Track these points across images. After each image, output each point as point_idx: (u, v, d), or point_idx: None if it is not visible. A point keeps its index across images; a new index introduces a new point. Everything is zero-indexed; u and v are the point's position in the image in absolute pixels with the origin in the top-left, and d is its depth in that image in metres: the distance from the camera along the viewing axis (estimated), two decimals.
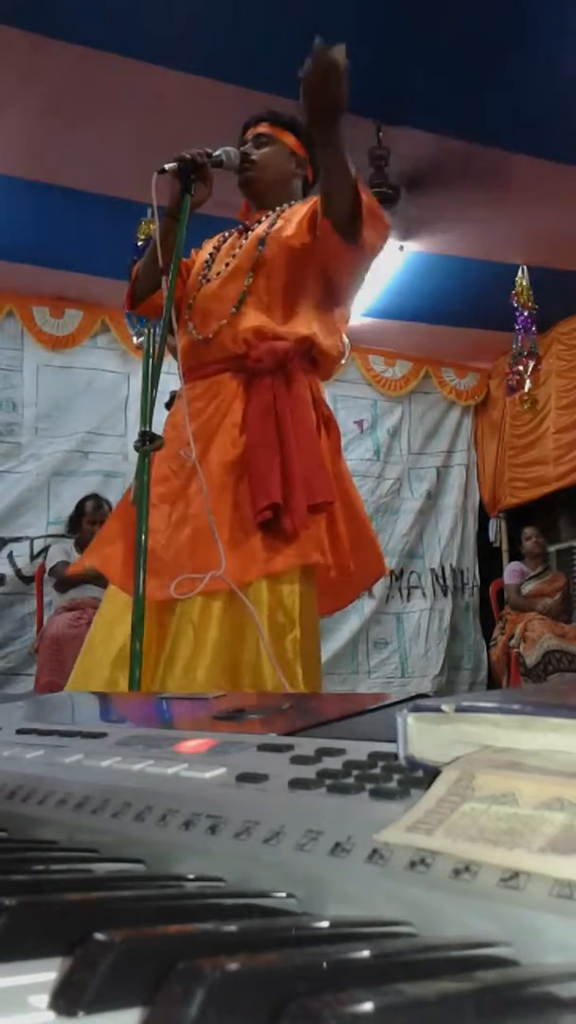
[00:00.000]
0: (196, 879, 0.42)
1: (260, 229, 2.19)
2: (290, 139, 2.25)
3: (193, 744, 0.61)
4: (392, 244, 4.86)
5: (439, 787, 0.41)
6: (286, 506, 1.95)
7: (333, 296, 2.19)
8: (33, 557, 5.25)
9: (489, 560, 6.55)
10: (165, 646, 1.93)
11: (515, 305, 5.16)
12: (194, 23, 3.31)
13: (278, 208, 2.21)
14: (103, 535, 2.22)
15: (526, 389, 5.49)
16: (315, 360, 2.19)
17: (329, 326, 2.20)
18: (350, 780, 0.46)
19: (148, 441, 1.88)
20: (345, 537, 2.09)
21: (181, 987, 0.25)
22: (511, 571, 5.82)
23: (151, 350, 2.07)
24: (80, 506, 4.96)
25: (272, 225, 2.17)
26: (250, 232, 2.23)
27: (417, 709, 0.46)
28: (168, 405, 2.42)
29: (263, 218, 2.22)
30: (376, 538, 2.31)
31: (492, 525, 6.66)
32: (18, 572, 5.23)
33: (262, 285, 2.12)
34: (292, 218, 2.16)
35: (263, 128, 2.25)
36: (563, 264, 5.05)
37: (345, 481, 2.21)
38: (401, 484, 6.31)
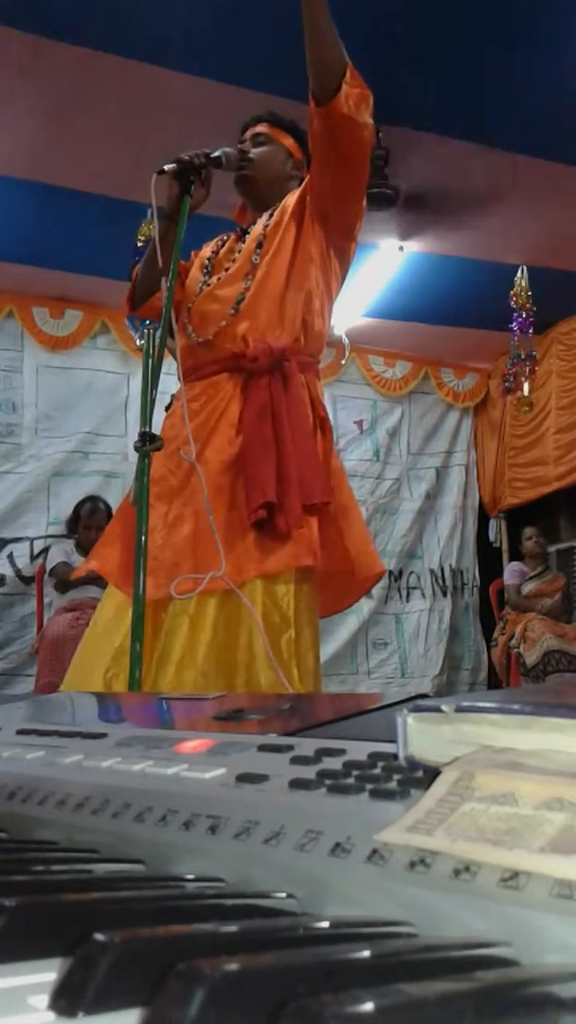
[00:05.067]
0: (196, 879, 0.42)
1: (257, 230, 2.20)
2: (288, 141, 2.26)
3: (193, 744, 0.61)
4: (392, 244, 4.86)
5: (439, 787, 0.41)
6: (280, 506, 1.95)
7: (339, 228, 2.14)
8: (33, 558, 5.25)
9: (489, 560, 6.55)
10: (159, 644, 1.94)
11: (513, 306, 5.16)
12: (194, 23, 3.31)
13: (272, 206, 2.22)
14: (104, 537, 2.22)
15: (526, 392, 5.49)
16: (312, 353, 2.18)
17: (323, 311, 2.18)
18: (350, 780, 0.46)
19: (148, 442, 1.88)
20: (337, 539, 2.09)
21: (181, 987, 0.25)
22: (511, 571, 5.82)
23: (151, 351, 2.08)
24: (76, 509, 4.96)
25: (267, 225, 2.18)
26: (247, 235, 2.23)
27: (417, 709, 0.46)
28: (168, 408, 2.42)
29: (259, 219, 2.22)
30: (371, 539, 2.29)
31: (492, 525, 6.66)
32: (18, 572, 5.23)
33: (260, 287, 2.12)
34: (288, 208, 2.16)
35: (262, 128, 2.26)
36: (563, 264, 5.05)
37: (341, 482, 2.20)
38: (400, 484, 6.31)
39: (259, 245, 2.16)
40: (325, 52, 1.90)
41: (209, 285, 2.21)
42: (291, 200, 2.17)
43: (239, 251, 2.21)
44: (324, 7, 1.87)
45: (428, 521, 6.39)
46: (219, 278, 2.20)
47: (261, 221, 2.21)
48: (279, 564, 1.97)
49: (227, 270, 2.20)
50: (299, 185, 2.23)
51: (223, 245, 2.30)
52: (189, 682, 1.86)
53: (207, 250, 2.33)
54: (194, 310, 2.19)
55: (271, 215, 2.20)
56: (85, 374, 5.55)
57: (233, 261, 2.20)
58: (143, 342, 4.80)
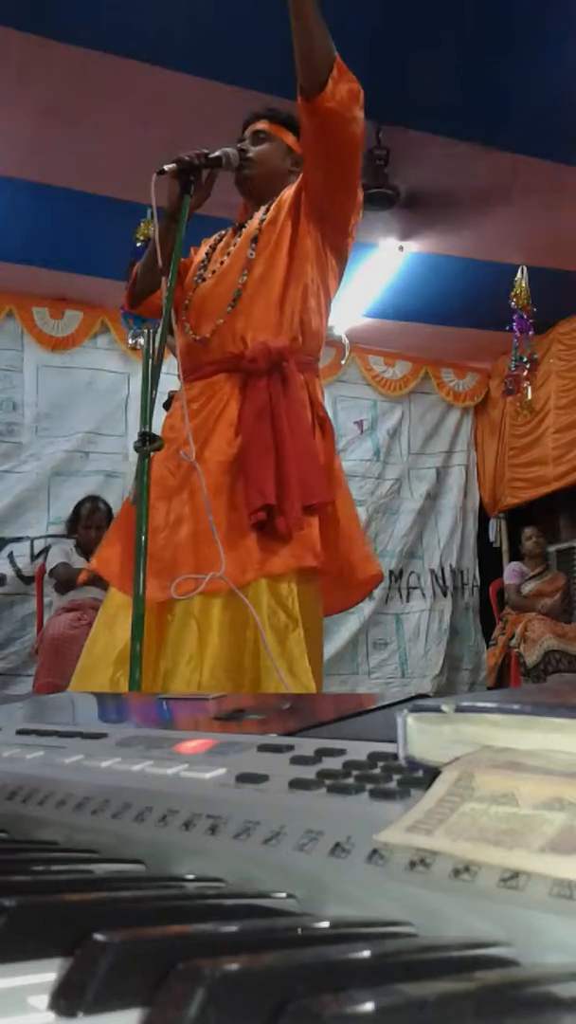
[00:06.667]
0: (196, 880, 0.42)
1: (252, 225, 2.20)
2: (288, 137, 2.25)
3: (193, 744, 0.61)
4: (392, 244, 4.86)
5: (439, 787, 0.41)
6: (280, 507, 1.95)
7: (335, 223, 2.14)
8: (33, 557, 5.25)
9: (489, 560, 6.55)
10: (165, 646, 1.93)
11: (513, 306, 5.16)
12: (194, 23, 3.31)
13: (269, 202, 2.21)
14: (106, 539, 2.22)
15: (528, 396, 5.49)
16: (311, 352, 2.18)
17: (321, 309, 2.18)
18: (350, 780, 0.46)
19: (148, 442, 1.88)
20: (338, 539, 2.09)
21: (181, 987, 0.25)
22: (511, 571, 5.82)
23: (151, 351, 2.07)
24: (76, 509, 4.96)
25: (263, 219, 2.17)
26: (243, 229, 2.23)
27: (417, 709, 0.46)
28: (166, 406, 2.42)
29: (255, 214, 2.22)
30: (369, 543, 2.28)
31: (492, 525, 6.66)
32: (18, 572, 5.23)
33: (257, 284, 2.12)
34: (283, 204, 2.16)
35: (262, 125, 2.26)
36: (563, 264, 5.05)
37: (340, 484, 2.20)
38: (401, 484, 6.31)
39: (255, 239, 2.16)
40: (312, 46, 1.89)
41: (205, 280, 2.21)
42: (287, 195, 2.17)
43: (234, 245, 2.21)
44: (317, 8, 1.87)
45: (428, 521, 6.39)
46: (214, 271, 2.20)
47: (257, 215, 2.21)
48: (281, 565, 1.97)
49: (222, 264, 2.20)
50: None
51: (220, 240, 2.30)
52: (198, 683, 1.86)
53: (205, 246, 2.33)
54: (191, 306, 2.19)
55: (267, 210, 2.20)
56: (85, 374, 5.55)
57: (228, 255, 2.20)
58: (135, 340, 4.81)
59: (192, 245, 2.34)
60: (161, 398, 2.34)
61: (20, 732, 0.73)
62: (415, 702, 0.47)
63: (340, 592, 2.21)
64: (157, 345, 1.96)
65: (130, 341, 5.11)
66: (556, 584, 5.70)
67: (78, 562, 4.74)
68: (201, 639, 1.91)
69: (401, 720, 0.47)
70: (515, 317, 5.19)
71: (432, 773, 0.43)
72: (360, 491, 6.00)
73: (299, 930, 0.34)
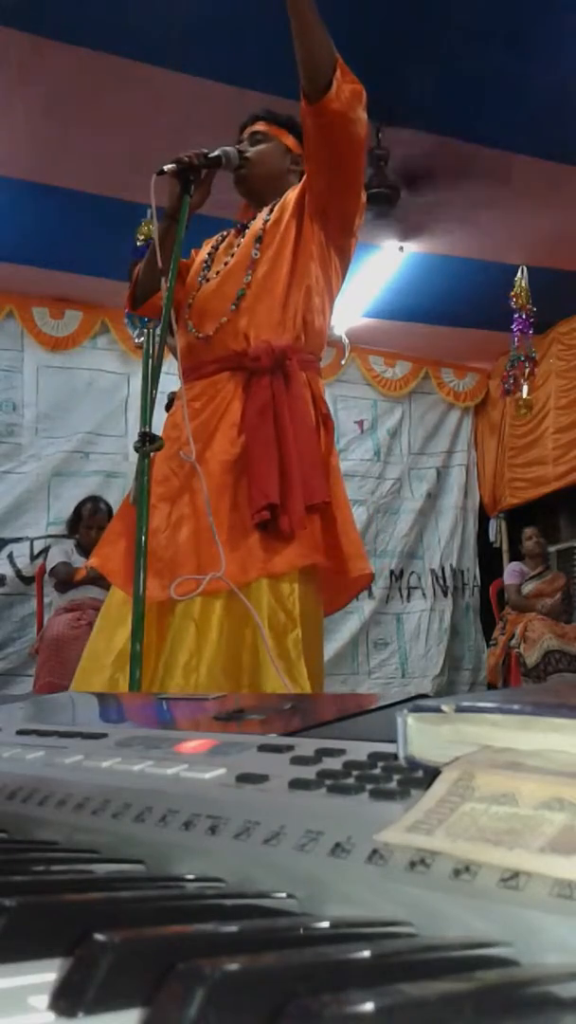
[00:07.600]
0: (196, 880, 0.42)
1: (256, 225, 2.20)
2: (287, 138, 2.26)
3: (193, 745, 0.61)
4: (392, 244, 4.86)
5: (439, 787, 0.41)
6: (283, 506, 1.95)
7: (338, 224, 2.14)
8: (33, 558, 5.25)
9: (489, 560, 6.55)
10: (165, 646, 1.93)
11: (513, 306, 5.16)
12: (193, 23, 3.31)
13: (272, 203, 2.22)
14: (105, 536, 2.22)
15: (524, 394, 5.49)
16: (313, 351, 2.18)
17: (324, 308, 2.18)
18: (350, 780, 0.46)
19: (148, 442, 1.88)
20: (333, 537, 2.09)
21: (181, 987, 0.25)
22: (511, 571, 5.82)
23: (151, 351, 2.08)
24: (78, 509, 4.96)
25: (267, 219, 2.18)
26: (247, 230, 2.23)
27: (417, 709, 0.46)
28: (168, 407, 2.42)
29: (258, 214, 2.23)
30: (361, 541, 2.28)
31: (492, 525, 6.66)
32: (18, 573, 5.23)
33: (261, 283, 2.12)
34: (288, 205, 2.16)
35: (260, 126, 2.26)
36: (563, 264, 5.05)
37: (337, 480, 2.20)
38: (401, 484, 6.31)
39: (259, 239, 2.16)
40: (313, 48, 1.89)
41: (208, 280, 2.21)
42: (291, 196, 2.17)
43: (238, 245, 2.21)
44: (310, 2, 1.87)
45: (429, 521, 6.39)
46: (218, 272, 2.20)
47: (261, 216, 2.21)
48: (284, 564, 1.97)
49: (226, 264, 2.20)
50: (300, 179, 2.23)
51: (223, 241, 2.30)
52: (197, 683, 1.86)
53: (207, 246, 2.33)
54: (194, 306, 2.19)
55: (271, 210, 2.20)
56: (85, 374, 5.55)
57: (232, 256, 2.20)
58: (142, 340, 4.82)
59: (193, 247, 2.35)
60: (161, 398, 2.33)
61: (20, 732, 0.73)
62: (415, 702, 0.47)
63: (331, 592, 2.21)
64: (157, 345, 1.96)
65: (136, 340, 5.11)
66: (556, 584, 5.70)
67: (78, 562, 4.74)
68: (200, 639, 1.91)
69: (401, 720, 0.47)
70: (515, 317, 5.19)
71: (432, 773, 0.43)
72: (360, 491, 6.00)
73: (299, 930, 0.34)
